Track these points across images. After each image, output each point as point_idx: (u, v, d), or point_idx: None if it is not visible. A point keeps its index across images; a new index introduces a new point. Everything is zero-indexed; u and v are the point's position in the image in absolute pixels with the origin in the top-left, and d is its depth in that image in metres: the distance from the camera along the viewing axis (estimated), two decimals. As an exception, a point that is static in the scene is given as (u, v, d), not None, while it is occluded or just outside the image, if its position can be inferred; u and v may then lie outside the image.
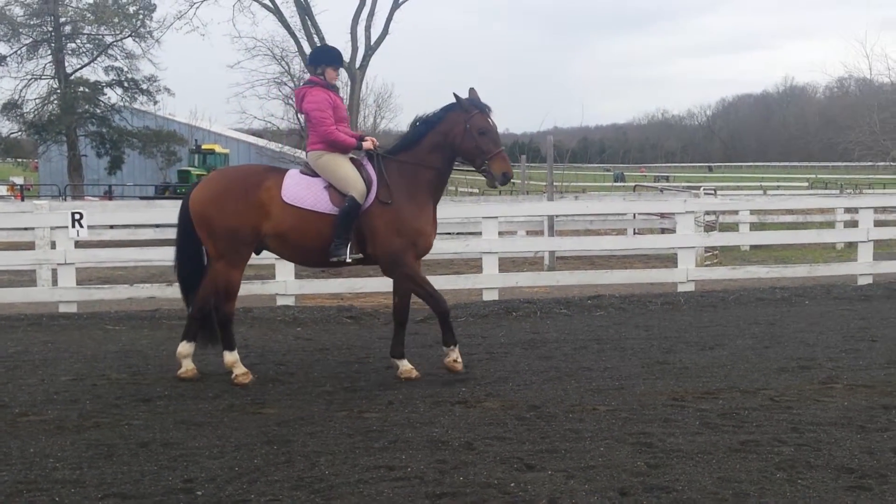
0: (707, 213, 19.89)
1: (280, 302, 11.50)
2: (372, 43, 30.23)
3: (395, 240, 7.36)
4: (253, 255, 7.68)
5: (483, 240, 12.43)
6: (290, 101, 35.41)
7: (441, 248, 14.30)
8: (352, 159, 7.62)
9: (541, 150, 24.38)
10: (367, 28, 30.24)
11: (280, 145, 41.54)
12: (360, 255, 7.46)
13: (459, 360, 7.55)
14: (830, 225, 23.78)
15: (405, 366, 7.56)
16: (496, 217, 12.87)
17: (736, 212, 22.80)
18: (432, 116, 7.60)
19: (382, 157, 7.58)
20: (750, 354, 8.28)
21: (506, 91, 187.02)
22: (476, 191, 36.16)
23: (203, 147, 45.16)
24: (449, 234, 17.28)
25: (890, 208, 25.87)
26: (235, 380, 7.33)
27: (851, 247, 16.32)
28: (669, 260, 16.21)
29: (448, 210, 16.09)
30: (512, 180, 7.82)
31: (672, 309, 11.24)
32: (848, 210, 22.53)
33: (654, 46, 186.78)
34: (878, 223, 20.93)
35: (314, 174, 7.55)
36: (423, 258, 7.83)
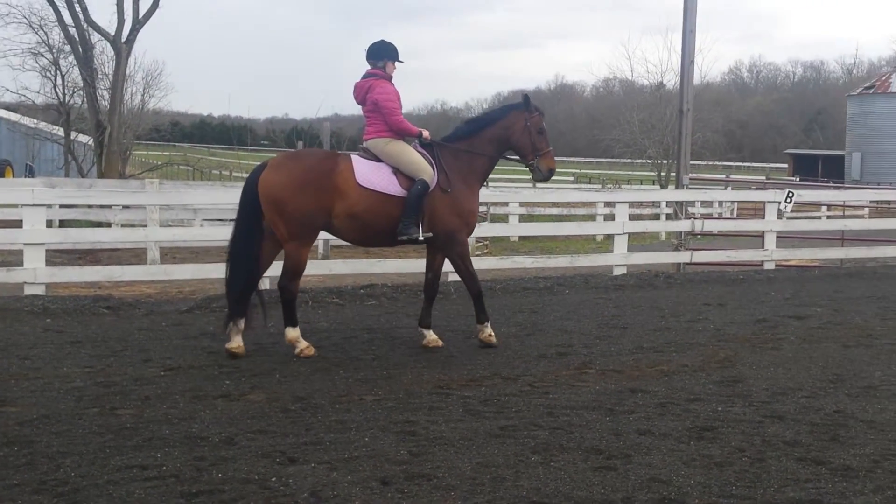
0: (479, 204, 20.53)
1: (28, 291, 10.60)
2: (140, 16, 28.42)
3: (453, 219, 8.13)
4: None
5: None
6: (48, 74, 32.54)
7: (211, 234, 13.85)
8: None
9: (320, 136, 24.12)
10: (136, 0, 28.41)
11: (35, 121, 38.38)
12: (431, 234, 8.05)
13: (493, 334, 8.31)
14: (592, 218, 25.27)
15: (431, 336, 8.33)
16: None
17: (506, 203, 23.69)
18: (492, 113, 8.74)
19: (438, 144, 8.25)
20: (513, 342, 8.59)
21: (285, 75, 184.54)
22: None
23: (-53, 122, 41.18)
24: (221, 220, 16.73)
25: (644, 203, 27.88)
26: (301, 354, 7.73)
27: (610, 238, 17.39)
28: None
29: (221, 195, 15.59)
30: None
31: (442, 298, 11.40)
32: (608, 204, 24.02)
33: (433, 40, 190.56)
34: (633, 217, 22.55)
35: (376, 159, 8.04)
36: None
